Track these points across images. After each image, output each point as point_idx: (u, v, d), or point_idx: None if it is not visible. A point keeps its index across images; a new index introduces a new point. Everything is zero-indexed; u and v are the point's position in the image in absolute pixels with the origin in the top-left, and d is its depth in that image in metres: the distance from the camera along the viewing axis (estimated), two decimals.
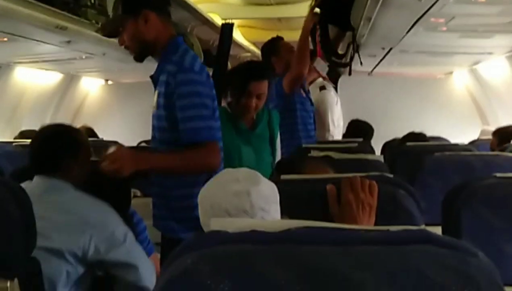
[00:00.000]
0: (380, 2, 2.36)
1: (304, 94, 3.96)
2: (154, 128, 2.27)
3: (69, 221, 1.89)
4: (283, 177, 1.70)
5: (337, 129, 5.04)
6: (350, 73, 4.11)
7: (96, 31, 2.55)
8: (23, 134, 4.23)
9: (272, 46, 3.99)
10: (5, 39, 3.23)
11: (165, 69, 2.18)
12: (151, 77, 2.29)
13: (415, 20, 2.67)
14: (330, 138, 4.62)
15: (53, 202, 1.94)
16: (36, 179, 2.01)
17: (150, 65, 3.32)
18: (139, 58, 2.29)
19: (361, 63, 3.91)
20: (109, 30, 2.34)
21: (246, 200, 1.30)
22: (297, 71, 3.71)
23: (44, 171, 2.02)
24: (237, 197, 1.30)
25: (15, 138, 4.26)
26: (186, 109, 2.10)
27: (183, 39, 2.30)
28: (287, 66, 3.77)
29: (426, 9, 2.40)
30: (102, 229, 1.90)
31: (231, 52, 5.60)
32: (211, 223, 0.91)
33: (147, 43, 2.20)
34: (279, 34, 4.34)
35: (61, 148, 2.05)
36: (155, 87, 2.25)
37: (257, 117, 2.98)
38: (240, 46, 7.09)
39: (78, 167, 2.04)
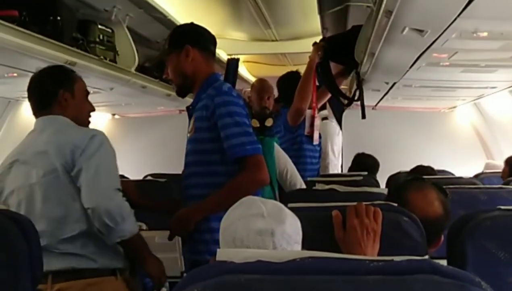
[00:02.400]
0: (383, 38, 2.40)
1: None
2: (188, 153, 2.34)
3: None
4: (290, 205, 1.72)
5: (337, 161, 5.07)
6: (363, 117, 4.09)
7: (144, 62, 2.70)
8: None
9: (290, 80, 4.05)
10: (15, 74, 3.28)
11: (202, 97, 2.29)
12: (187, 107, 2.42)
13: (417, 55, 2.71)
14: (330, 169, 4.63)
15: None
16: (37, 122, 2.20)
17: (156, 100, 3.36)
18: (180, 91, 2.43)
19: (362, 101, 3.94)
20: (155, 62, 2.47)
21: (269, 240, 1.27)
22: (297, 106, 3.74)
23: (42, 107, 2.19)
24: (261, 236, 1.27)
25: None
26: (230, 127, 2.19)
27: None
28: None
29: (428, 44, 2.43)
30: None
31: (237, 86, 5.67)
32: (217, 253, 0.92)
33: (187, 76, 2.34)
34: (284, 69, 4.40)
35: (56, 80, 2.22)
36: (190, 117, 2.38)
37: None
38: (245, 80, 7.17)
39: (74, 101, 2.22)
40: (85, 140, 2.08)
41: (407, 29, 2.20)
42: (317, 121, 3.91)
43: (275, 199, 2.93)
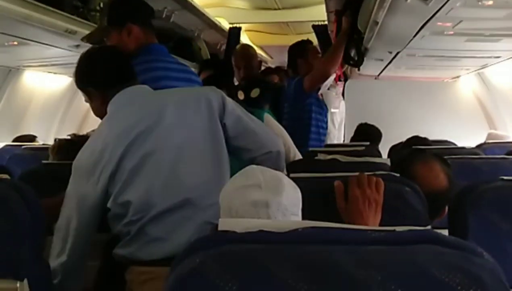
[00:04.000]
0: (387, 7, 2.36)
1: (321, 97, 3.99)
2: None
3: None
4: (292, 175, 1.72)
5: (338, 132, 5.04)
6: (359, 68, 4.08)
7: (82, 40, 2.61)
8: (19, 139, 4.26)
9: (301, 48, 4.01)
10: (15, 43, 3.26)
11: None
12: None
13: (422, 24, 2.67)
14: (330, 140, 4.63)
15: None
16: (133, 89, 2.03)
17: None
18: None
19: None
20: (95, 40, 2.41)
21: (264, 212, 1.26)
22: (325, 68, 3.69)
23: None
24: (255, 207, 1.26)
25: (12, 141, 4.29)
26: None
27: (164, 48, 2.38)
28: (311, 70, 3.79)
29: (432, 13, 2.40)
30: None
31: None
32: (219, 223, 0.92)
33: (130, 53, 2.26)
34: (286, 38, 4.37)
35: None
36: None
37: None
38: None
39: None
40: None
41: None
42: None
43: None
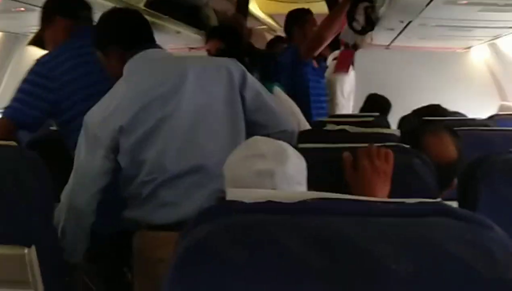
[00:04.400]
0: None
1: (316, 65, 3.94)
2: None
3: None
4: (300, 145, 1.71)
5: (347, 102, 5.01)
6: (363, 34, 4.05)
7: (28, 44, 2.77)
8: None
9: (299, 16, 3.95)
10: (22, 9, 3.23)
11: None
12: None
13: None
14: (338, 111, 4.60)
15: None
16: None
17: (165, 37, 3.27)
18: None
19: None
20: (34, 40, 2.59)
21: (269, 182, 1.25)
22: (322, 33, 3.64)
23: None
24: (260, 177, 1.25)
25: None
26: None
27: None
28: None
29: None
30: None
31: (248, 24, 5.56)
32: (227, 193, 0.92)
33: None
34: (297, 7, 4.30)
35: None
36: None
37: None
38: (256, 18, 7.05)
39: None
40: None
41: None
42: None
43: None
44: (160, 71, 1.98)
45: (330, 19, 3.69)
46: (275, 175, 1.25)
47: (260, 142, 1.33)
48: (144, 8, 3.79)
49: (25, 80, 2.34)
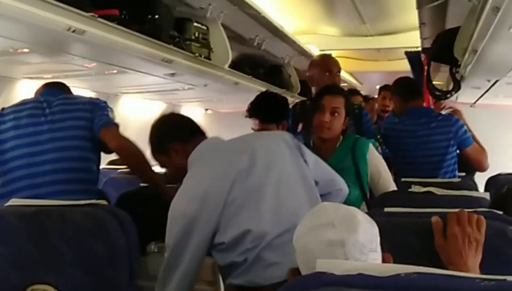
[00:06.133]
0: (488, 35, 2.27)
1: None
2: None
3: None
4: (386, 209, 1.67)
5: None
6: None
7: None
8: (114, 162, 4.38)
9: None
10: (115, 71, 3.40)
11: None
12: None
13: None
14: None
15: None
16: None
17: (247, 95, 3.37)
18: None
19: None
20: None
21: (340, 252, 1.20)
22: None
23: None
24: (330, 247, 1.21)
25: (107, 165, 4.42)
26: None
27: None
28: None
29: None
30: None
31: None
32: (317, 263, 0.90)
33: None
34: (377, 65, 4.31)
35: None
36: None
37: (338, 147, 2.82)
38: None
39: None
40: None
41: None
42: None
43: (366, 203, 2.83)
44: (232, 150, 2.13)
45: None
46: (347, 244, 1.20)
47: (328, 209, 1.28)
48: (229, 69, 3.90)
49: None
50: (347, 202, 2.45)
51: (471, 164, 3.70)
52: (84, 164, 2.58)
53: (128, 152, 2.60)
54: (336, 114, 2.74)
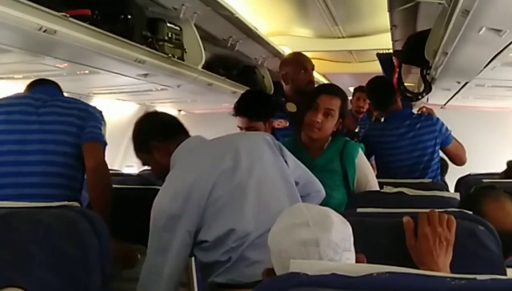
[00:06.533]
0: (458, 38, 2.31)
1: None
2: None
3: None
4: (359, 210, 1.69)
5: None
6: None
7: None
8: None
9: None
10: (87, 71, 3.37)
11: None
12: None
13: (493, 55, 2.61)
14: None
15: None
16: None
17: (221, 97, 3.35)
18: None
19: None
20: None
21: (314, 251, 1.21)
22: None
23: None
24: (304, 247, 1.22)
25: None
26: None
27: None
28: None
29: (506, 44, 2.33)
30: None
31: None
32: (290, 264, 0.90)
33: None
34: (349, 66, 4.35)
35: None
36: None
37: (327, 147, 2.77)
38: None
39: None
40: None
41: (484, 28, 2.11)
42: None
43: None
44: (216, 150, 2.15)
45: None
46: (321, 244, 1.21)
47: (302, 209, 1.29)
48: (202, 70, 3.89)
49: None
50: (332, 203, 2.49)
51: (452, 160, 3.78)
52: (69, 171, 2.54)
53: (100, 177, 2.50)
54: (329, 116, 2.69)
